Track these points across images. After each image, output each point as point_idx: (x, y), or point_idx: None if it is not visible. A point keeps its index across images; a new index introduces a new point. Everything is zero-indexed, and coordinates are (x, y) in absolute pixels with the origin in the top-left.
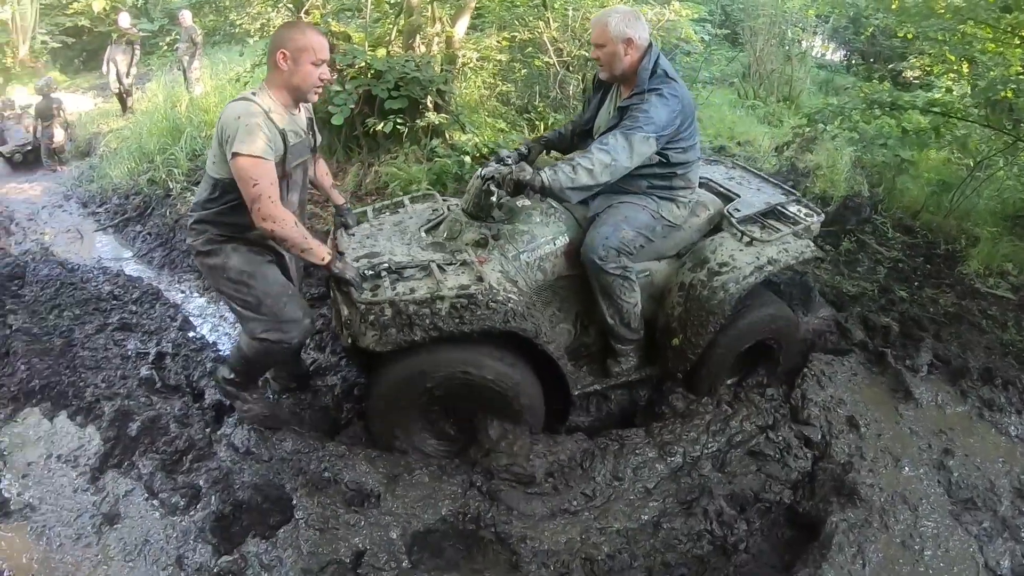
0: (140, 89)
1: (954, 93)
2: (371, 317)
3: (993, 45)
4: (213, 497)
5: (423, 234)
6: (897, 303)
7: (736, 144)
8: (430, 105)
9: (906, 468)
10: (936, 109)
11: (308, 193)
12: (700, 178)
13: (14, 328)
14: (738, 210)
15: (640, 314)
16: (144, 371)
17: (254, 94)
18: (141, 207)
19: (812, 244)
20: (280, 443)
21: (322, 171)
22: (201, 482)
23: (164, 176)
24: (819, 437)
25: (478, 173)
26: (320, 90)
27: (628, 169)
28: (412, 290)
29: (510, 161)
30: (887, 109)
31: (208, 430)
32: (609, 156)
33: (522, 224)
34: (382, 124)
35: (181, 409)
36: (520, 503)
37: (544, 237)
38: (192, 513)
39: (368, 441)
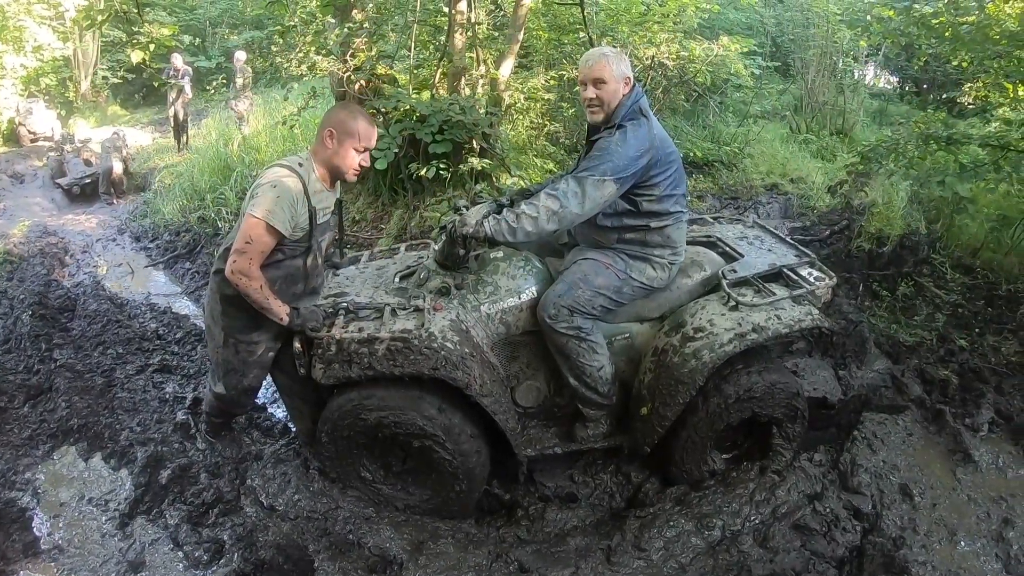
0: (196, 125)
1: (1012, 123)
2: (319, 351)
3: None
4: (236, 554)
5: (396, 280)
6: (956, 353)
7: (789, 181)
8: (475, 148)
9: (962, 543)
10: (994, 142)
11: None
12: (708, 237)
13: (59, 363)
14: (734, 271)
15: (611, 378)
16: (180, 416)
17: (300, 165)
18: (191, 244)
19: (815, 311)
20: (307, 501)
21: None
22: (225, 537)
23: (213, 215)
24: (869, 507)
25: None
26: (358, 173)
27: (582, 216)
28: (360, 330)
29: (464, 212)
30: (943, 143)
31: (237, 482)
32: (558, 203)
33: (487, 275)
34: (425, 169)
35: (212, 458)
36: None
37: (507, 289)
38: (214, 569)
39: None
